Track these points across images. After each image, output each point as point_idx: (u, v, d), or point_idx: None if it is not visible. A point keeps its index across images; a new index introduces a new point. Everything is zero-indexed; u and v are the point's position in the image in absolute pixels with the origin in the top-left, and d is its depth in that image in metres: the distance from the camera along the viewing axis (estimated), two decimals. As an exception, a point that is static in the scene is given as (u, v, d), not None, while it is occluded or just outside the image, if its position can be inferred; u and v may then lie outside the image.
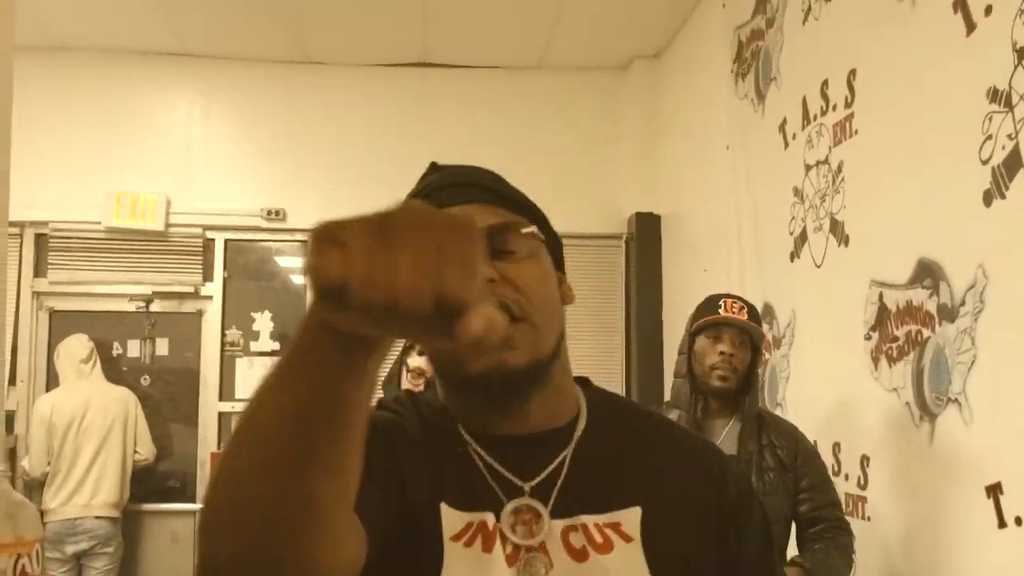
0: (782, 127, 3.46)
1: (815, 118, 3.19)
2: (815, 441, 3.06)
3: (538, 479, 1.03)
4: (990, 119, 2.20)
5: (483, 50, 5.21)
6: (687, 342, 2.67)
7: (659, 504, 1.04)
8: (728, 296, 2.70)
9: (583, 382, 1.16)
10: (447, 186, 1.08)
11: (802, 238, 3.26)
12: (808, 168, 3.23)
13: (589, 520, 1.02)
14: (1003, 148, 2.15)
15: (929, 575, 2.46)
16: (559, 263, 1.12)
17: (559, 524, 1.01)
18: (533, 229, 1.06)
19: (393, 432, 1.04)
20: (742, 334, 2.60)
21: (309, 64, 5.26)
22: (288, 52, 5.16)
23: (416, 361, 3.17)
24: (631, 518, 1.03)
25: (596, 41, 5.07)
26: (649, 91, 5.21)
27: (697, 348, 2.62)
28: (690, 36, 4.73)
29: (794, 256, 3.33)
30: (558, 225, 4.35)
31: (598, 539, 1.01)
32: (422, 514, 1.00)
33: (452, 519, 1.00)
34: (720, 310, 2.61)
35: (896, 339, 2.63)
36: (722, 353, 2.56)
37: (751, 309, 2.65)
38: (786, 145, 3.43)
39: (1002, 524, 2.13)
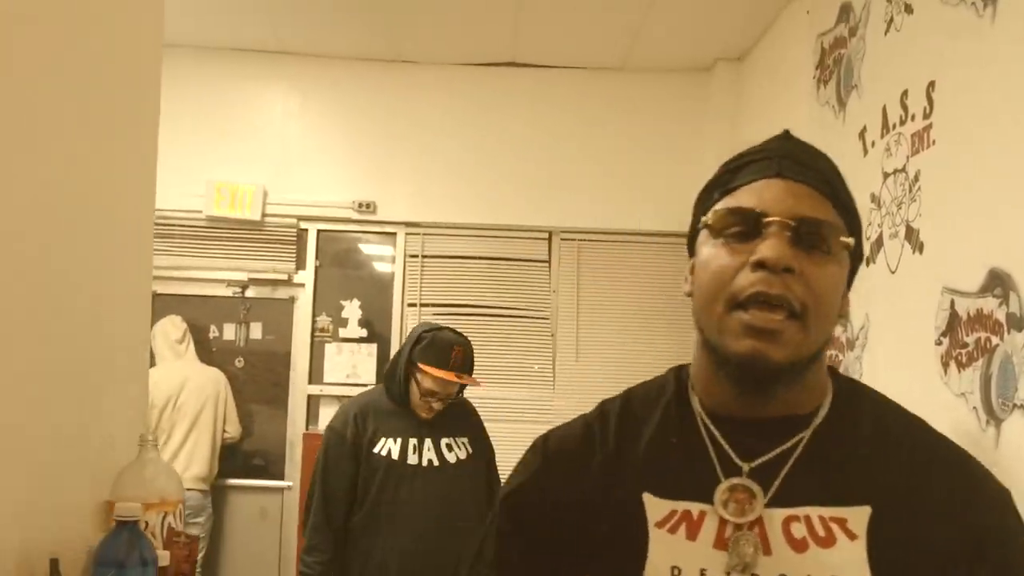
0: (862, 134, 3.54)
1: (894, 127, 3.26)
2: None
3: (759, 461, 1.04)
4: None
5: (570, 51, 5.34)
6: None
7: (893, 508, 1.00)
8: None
9: (831, 372, 1.13)
10: (789, 157, 1.10)
11: (878, 244, 3.34)
12: (886, 176, 3.31)
13: (813, 512, 1.01)
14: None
15: None
16: (851, 277, 1.11)
17: (781, 512, 1.01)
18: (850, 241, 1.06)
19: (532, 511, 1.11)
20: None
21: (401, 63, 5.45)
22: (381, 51, 5.36)
23: (428, 384, 3.04)
24: (859, 516, 1.00)
25: (680, 43, 5.17)
26: (732, 94, 5.29)
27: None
28: (773, 41, 4.80)
29: (869, 261, 3.41)
30: (638, 223, 4.54)
31: (820, 532, 1.00)
32: (625, 504, 1.04)
33: (656, 507, 1.03)
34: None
35: (966, 345, 2.71)
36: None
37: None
38: (865, 152, 3.50)
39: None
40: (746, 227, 1.04)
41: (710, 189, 1.14)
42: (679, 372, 1.16)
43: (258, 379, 5.48)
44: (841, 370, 3.56)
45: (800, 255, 1.01)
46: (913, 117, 3.12)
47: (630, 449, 1.09)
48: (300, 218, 5.42)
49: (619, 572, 1.02)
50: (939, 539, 1.00)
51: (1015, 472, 2.44)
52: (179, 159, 5.32)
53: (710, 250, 1.07)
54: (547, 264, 5.48)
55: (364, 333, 5.41)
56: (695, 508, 1.02)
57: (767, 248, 1.00)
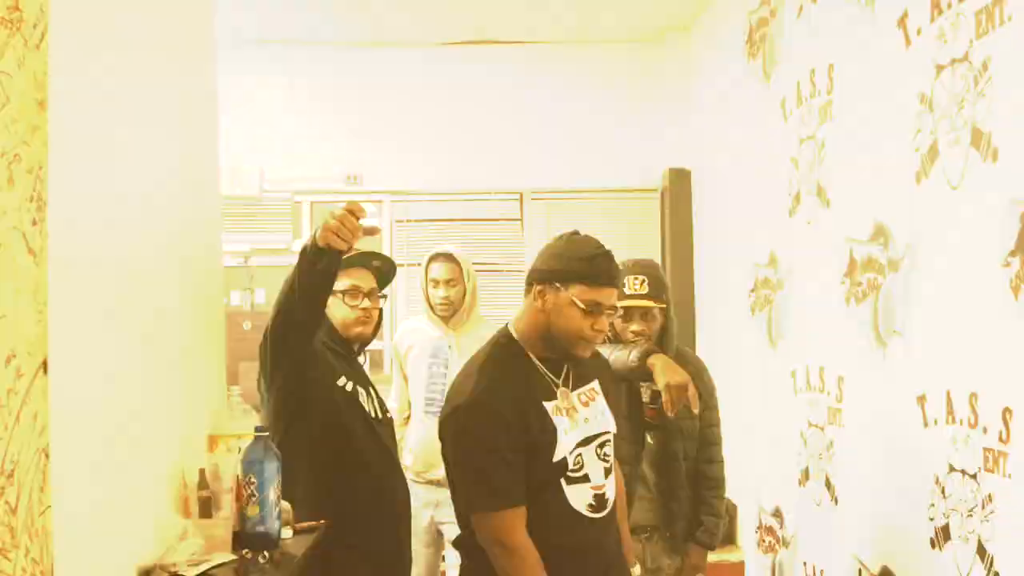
0: (783, 104, 4.11)
1: (806, 100, 3.84)
2: (807, 366, 3.79)
3: (560, 377, 2.40)
4: (920, 117, 2.87)
5: (532, 27, 5.87)
6: None
7: (601, 377, 2.53)
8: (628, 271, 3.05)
9: None
10: (615, 274, 2.39)
11: (797, 199, 3.93)
12: (801, 141, 3.89)
13: (584, 388, 2.43)
14: (927, 141, 2.82)
15: (884, 462, 3.18)
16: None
17: (575, 393, 2.40)
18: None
19: (496, 418, 2.28)
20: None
21: (380, 46, 5.98)
22: (361, 36, 5.89)
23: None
24: (595, 385, 2.48)
25: (632, 17, 5.71)
26: (682, 62, 5.84)
27: None
28: (714, 15, 5.34)
29: (791, 213, 4.00)
30: (602, 181, 5.30)
31: (590, 396, 2.44)
32: (539, 409, 2.30)
33: (548, 406, 2.31)
34: (626, 288, 2.99)
35: (861, 284, 3.30)
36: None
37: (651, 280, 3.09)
38: (785, 119, 4.08)
39: None
40: (596, 310, 2.30)
41: (574, 269, 2.30)
42: (505, 339, 2.43)
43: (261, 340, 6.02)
44: (774, 305, 4.19)
45: (607, 321, 2.41)
46: (820, 93, 3.70)
47: (517, 384, 2.35)
48: (295, 192, 5.97)
49: (549, 443, 2.28)
50: (611, 383, 2.65)
51: (896, 383, 3.06)
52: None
53: (574, 312, 2.29)
54: (519, 222, 6.07)
55: (358, 293, 5.97)
56: (554, 402, 2.34)
57: (602, 322, 2.34)
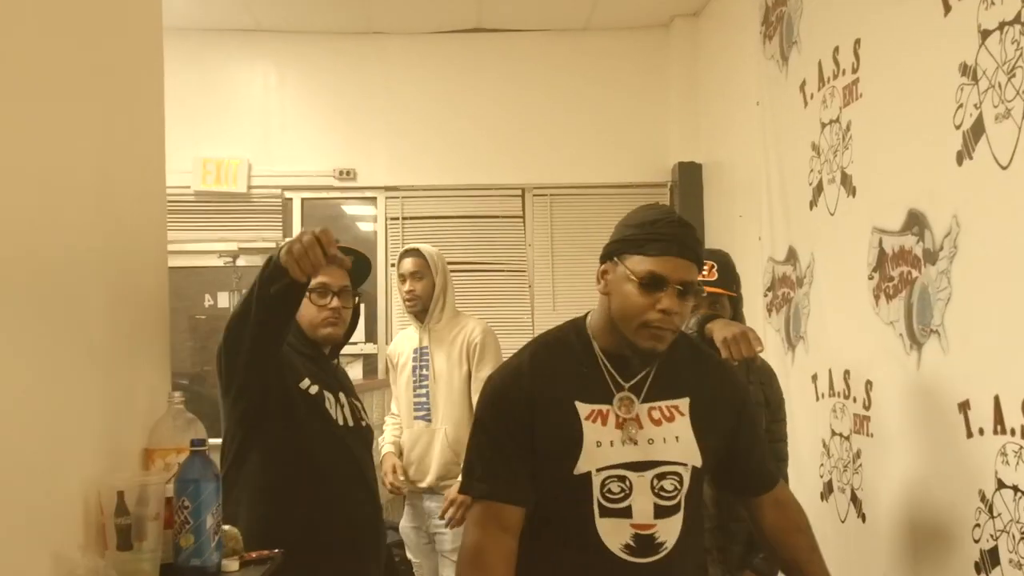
0: (802, 87, 3.82)
1: (828, 80, 3.54)
2: (829, 369, 3.49)
3: (633, 381, 1.94)
4: (961, 90, 2.57)
5: (532, 15, 5.58)
6: None
7: (699, 396, 1.99)
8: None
9: None
10: (679, 241, 1.88)
11: (819, 189, 3.64)
12: (823, 126, 3.59)
13: (663, 404, 1.94)
14: (971, 116, 2.52)
15: (921, 476, 2.88)
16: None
17: (646, 406, 1.93)
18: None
19: (507, 404, 1.96)
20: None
21: (373, 34, 5.69)
22: (353, 24, 5.60)
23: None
24: (683, 403, 1.97)
25: (638, 1, 5.42)
26: (690, 48, 5.56)
27: None
28: (725, -3, 5.08)
29: (812, 205, 3.70)
30: (607, 176, 4.90)
31: (667, 413, 1.95)
32: (567, 408, 1.90)
33: (583, 408, 1.90)
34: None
35: (892, 279, 3.02)
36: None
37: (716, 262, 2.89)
38: (805, 104, 3.78)
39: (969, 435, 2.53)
40: (656, 284, 1.85)
41: (628, 237, 1.91)
42: (576, 326, 2.03)
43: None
44: (792, 304, 3.89)
45: (680, 302, 1.87)
46: (844, 72, 3.40)
47: (558, 375, 1.96)
48: (284, 188, 5.69)
49: (567, 447, 1.87)
50: (720, 407, 2.05)
51: (933, 388, 2.76)
52: (167, 138, 5.57)
53: (631, 288, 1.87)
54: (521, 220, 5.76)
55: (351, 294, 5.69)
56: (604, 408, 1.92)
57: (668, 300, 1.85)
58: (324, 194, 5.76)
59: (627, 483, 1.86)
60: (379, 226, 5.76)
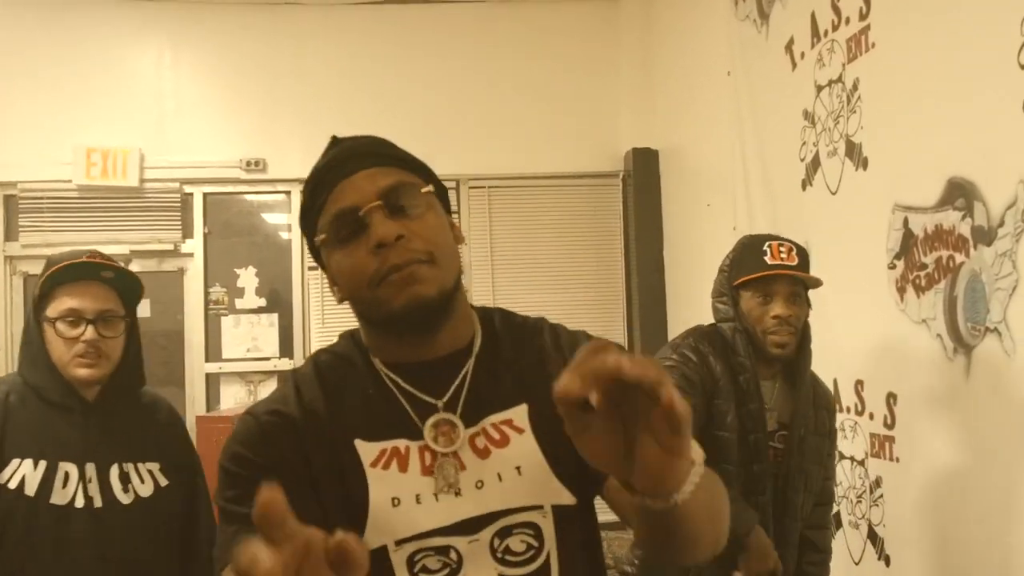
0: (789, 47, 3.24)
1: (826, 34, 2.96)
2: (834, 379, 2.90)
3: (448, 395, 1.22)
4: (1031, 17, 1.99)
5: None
6: (729, 294, 2.36)
7: (544, 398, 1.01)
8: (773, 239, 2.37)
9: (472, 305, 1.33)
10: (350, 158, 1.23)
11: (814, 164, 3.05)
12: (820, 88, 3.01)
13: (487, 422, 1.22)
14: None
15: (965, 517, 2.29)
16: (447, 208, 1.29)
17: (466, 433, 1.22)
18: (430, 188, 1.23)
19: (269, 439, 1.19)
20: (795, 285, 2.31)
21: (284, 4, 5.00)
22: (261, -8, 4.90)
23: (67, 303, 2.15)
24: (519, 413, 1.24)
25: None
26: (643, 19, 4.99)
27: (744, 307, 2.32)
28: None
29: (806, 184, 3.12)
30: (551, 165, 4.08)
31: (495, 436, 1.22)
32: (341, 453, 1.18)
33: (368, 450, 1.19)
34: (766, 257, 2.30)
35: (925, 267, 2.44)
36: (776, 317, 2.26)
37: (800, 251, 2.36)
38: (794, 66, 3.20)
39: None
40: (353, 226, 1.19)
41: (306, 215, 1.27)
42: (354, 338, 1.31)
43: (150, 359, 5.01)
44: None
45: (401, 220, 1.18)
46: (848, 20, 2.83)
47: (333, 405, 1.23)
48: (183, 181, 4.96)
49: (346, 512, 1.16)
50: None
51: (990, 402, 2.18)
52: (42, 123, 4.83)
53: (339, 258, 1.22)
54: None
55: (263, 303, 5.00)
56: (401, 444, 1.20)
57: (375, 232, 1.17)
58: (230, 188, 5.04)
59: (452, 555, 1.19)
60: (295, 227, 5.05)
